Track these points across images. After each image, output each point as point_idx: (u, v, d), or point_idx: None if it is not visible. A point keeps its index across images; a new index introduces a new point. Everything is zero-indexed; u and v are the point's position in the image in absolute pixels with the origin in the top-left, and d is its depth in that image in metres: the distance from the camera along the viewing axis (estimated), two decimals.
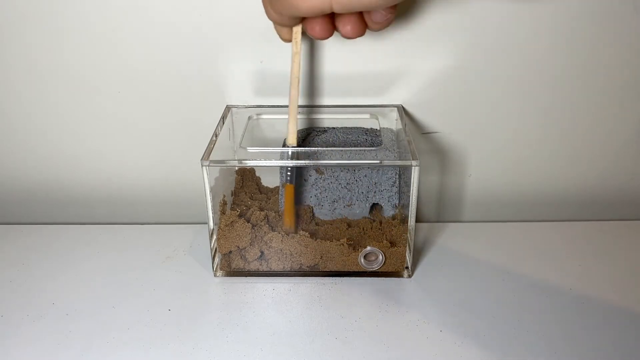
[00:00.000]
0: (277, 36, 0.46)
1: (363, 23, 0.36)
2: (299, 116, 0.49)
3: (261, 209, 0.44)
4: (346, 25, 0.35)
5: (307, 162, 0.42)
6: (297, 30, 0.39)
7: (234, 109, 0.49)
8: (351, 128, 0.49)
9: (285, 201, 0.44)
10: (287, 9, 0.34)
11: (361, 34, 0.36)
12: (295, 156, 0.42)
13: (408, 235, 0.43)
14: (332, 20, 0.36)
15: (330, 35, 0.36)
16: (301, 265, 0.44)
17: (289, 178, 0.43)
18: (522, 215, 0.55)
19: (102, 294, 0.43)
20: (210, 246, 0.45)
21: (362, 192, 0.45)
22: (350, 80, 0.48)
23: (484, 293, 0.43)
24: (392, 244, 0.44)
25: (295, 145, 0.42)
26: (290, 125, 0.42)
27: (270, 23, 0.45)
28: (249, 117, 0.49)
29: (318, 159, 0.43)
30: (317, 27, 0.36)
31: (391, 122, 0.49)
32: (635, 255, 0.47)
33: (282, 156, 0.43)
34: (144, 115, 0.50)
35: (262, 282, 0.44)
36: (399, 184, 0.45)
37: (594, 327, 0.39)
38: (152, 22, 0.45)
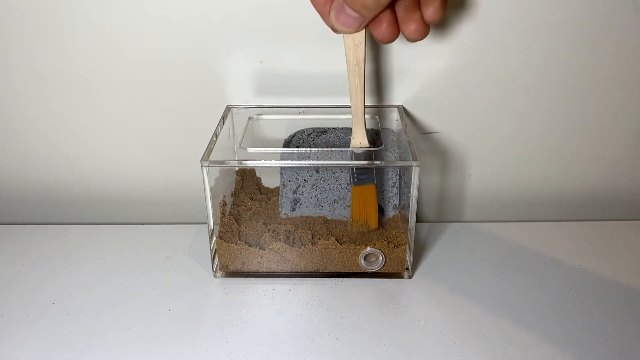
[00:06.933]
0: (277, 36, 0.46)
1: (425, 23, 0.36)
2: (300, 116, 0.49)
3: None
4: (410, 25, 0.36)
5: (307, 162, 0.42)
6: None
7: (234, 109, 0.49)
8: (351, 129, 0.49)
9: (370, 202, 0.43)
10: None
11: (425, 34, 0.36)
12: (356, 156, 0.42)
13: (408, 235, 0.43)
14: (396, 21, 0.36)
15: (396, 37, 0.36)
16: (301, 267, 0.44)
17: (361, 178, 0.42)
18: (522, 215, 0.55)
19: (102, 294, 0.43)
20: (210, 246, 0.44)
21: None
22: None
23: (484, 293, 0.43)
24: (393, 244, 0.44)
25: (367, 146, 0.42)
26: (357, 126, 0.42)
27: (271, 23, 0.45)
28: (249, 117, 0.49)
29: (318, 159, 0.43)
30: (384, 25, 0.36)
31: (392, 122, 0.49)
32: (635, 255, 0.47)
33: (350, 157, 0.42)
34: (144, 115, 0.50)
35: (262, 282, 0.44)
36: (400, 184, 0.45)
37: (594, 327, 0.39)
38: (152, 22, 0.45)
